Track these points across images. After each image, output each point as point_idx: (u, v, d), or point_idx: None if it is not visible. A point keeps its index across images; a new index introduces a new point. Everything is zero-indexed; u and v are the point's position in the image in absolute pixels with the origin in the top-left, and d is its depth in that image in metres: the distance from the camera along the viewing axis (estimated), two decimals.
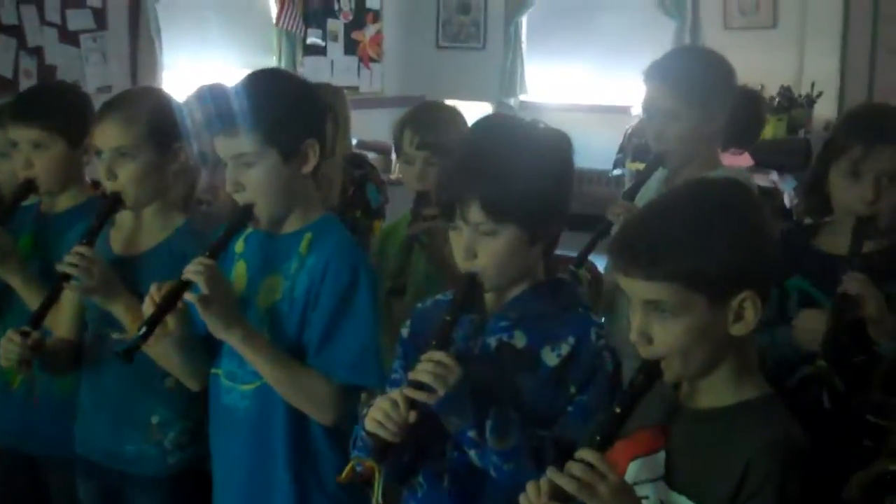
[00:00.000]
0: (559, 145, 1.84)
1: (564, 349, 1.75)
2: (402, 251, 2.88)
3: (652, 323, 1.51)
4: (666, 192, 1.63)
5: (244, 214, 2.00)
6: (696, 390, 1.57)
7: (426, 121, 2.83)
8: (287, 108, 2.01)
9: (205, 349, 2.09)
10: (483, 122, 1.95)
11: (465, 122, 2.89)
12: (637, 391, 1.52)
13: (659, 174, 2.62)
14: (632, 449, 1.58)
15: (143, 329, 1.88)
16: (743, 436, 1.49)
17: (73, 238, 2.31)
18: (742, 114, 2.54)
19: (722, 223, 1.51)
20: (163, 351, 2.04)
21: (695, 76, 2.47)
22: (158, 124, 2.22)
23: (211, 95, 2.12)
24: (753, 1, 7.67)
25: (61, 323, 2.32)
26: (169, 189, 2.28)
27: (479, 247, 1.76)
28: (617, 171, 7.72)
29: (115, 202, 2.20)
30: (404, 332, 1.94)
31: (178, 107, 2.32)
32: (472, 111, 7.55)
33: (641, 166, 7.32)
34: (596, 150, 7.94)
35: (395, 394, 1.69)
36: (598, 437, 1.49)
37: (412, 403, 1.66)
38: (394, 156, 7.23)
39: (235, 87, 2.06)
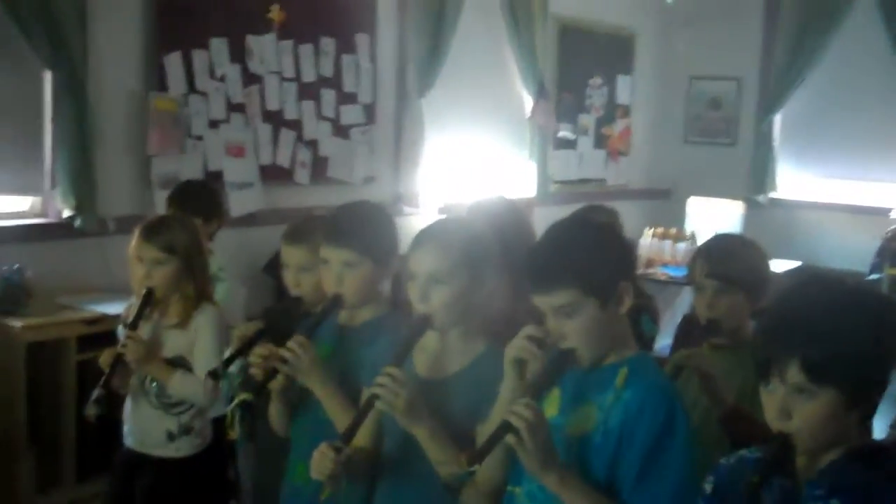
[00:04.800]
0: (883, 308, 1.81)
1: None
2: (671, 370, 2.88)
3: None
4: None
5: (566, 359, 2.07)
6: None
7: (719, 251, 2.85)
8: (599, 258, 2.08)
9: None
10: (804, 280, 1.93)
11: (762, 258, 2.88)
12: None
13: None
14: None
15: (475, 468, 1.94)
16: None
17: (377, 353, 2.45)
18: None
19: None
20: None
21: None
22: (472, 254, 2.33)
23: (531, 254, 2.19)
24: None
25: (362, 432, 2.43)
26: (476, 315, 2.38)
27: (794, 408, 1.74)
28: (874, 276, 7.41)
29: (423, 325, 2.32)
30: (707, 487, 1.94)
31: (489, 237, 2.43)
32: (721, 208, 7.51)
33: None
34: (850, 252, 7.67)
35: None
36: None
37: None
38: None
39: (545, 244, 2.16)
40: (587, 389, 2.11)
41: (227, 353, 2.81)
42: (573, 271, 2.05)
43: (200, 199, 4.30)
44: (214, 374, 2.78)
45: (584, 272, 2.05)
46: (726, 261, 2.80)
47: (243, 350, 2.70)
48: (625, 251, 2.22)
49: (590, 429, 2.07)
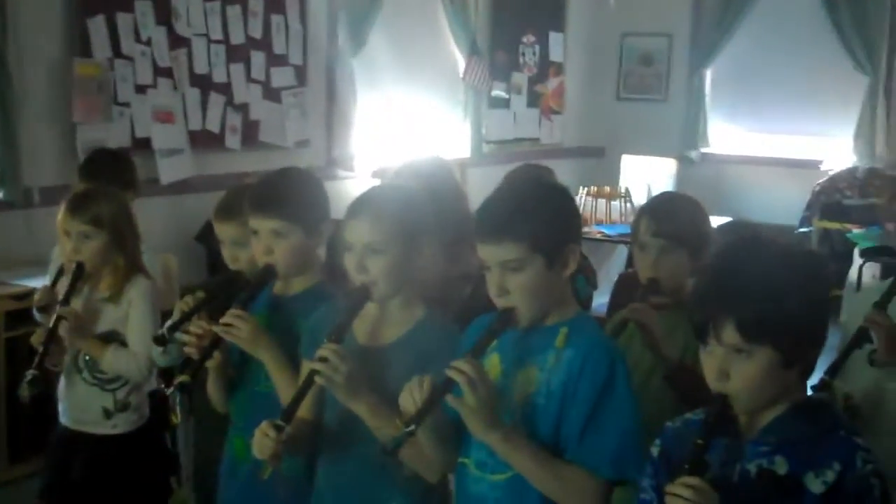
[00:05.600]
0: (815, 266, 1.83)
1: (830, 476, 1.72)
2: (612, 332, 2.88)
3: None
4: None
5: (506, 318, 2.05)
6: None
7: (665, 210, 2.84)
8: (551, 217, 2.07)
9: (454, 436, 2.13)
10: (736, 241, 1.92)
11: (704, 216, 2.88)
12: None
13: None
14: None
15: (412, 427, 1.92)
16: None
17: (313, 324, 2.41)
18: None
19: None
20: (410, 445, 2.04)
21: None
22: (408, 222, 2.29)
23: (483, 206, 2.17)
24: None
25: (304, 404, 2.38)
26: (414, 282, 2.35)
27: (731, 368, 1.76)
28: (803, 229, 7.53)
29: (363, 297, 2.28)
30: (654, 450, 1.94)
31: (425, 202, 2.40)
32: (654, 165, 7.54)
33: (830, 225, 7.20)
34: (781, 206, 7.80)
35: None
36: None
37: None
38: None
39: (499, 196, 2.14)
40: (527, 352, 2.09)
41: (171, 321, 2.76)
42: (525, 225, 2.03)
43: (113, 170, 4.01)
44: (160, 340, 2.71)
45: (535, 228, 2.03)
46: (672, 219, 2.79)
47: (188, 316, 2.65)
48: (576, 215, 2.22)
49: (532, 391, 2.06)
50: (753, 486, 1.76)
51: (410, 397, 1.98)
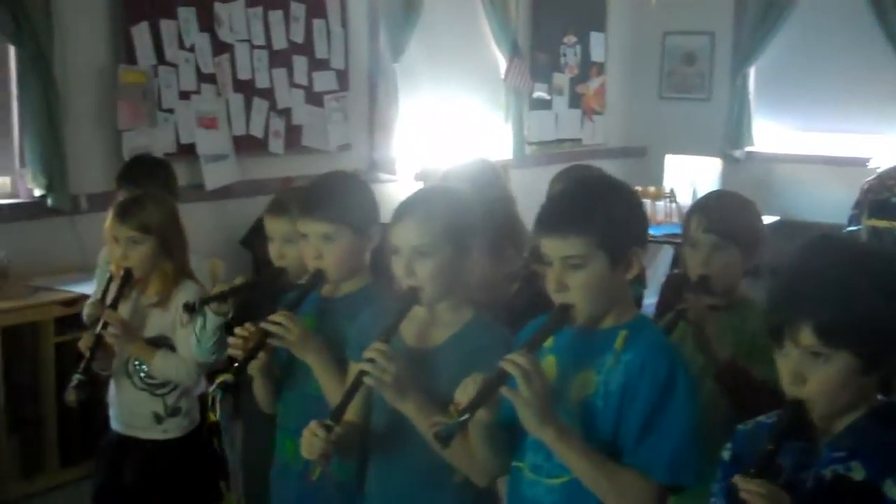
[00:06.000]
0: (894, 270, 1.77)
1: None
2: (664, 327, 2.84)
3: None
4: None
5: (562, 315, 2.02)
6: None
7: (717, 207, 2.80)
8: (620, 216, 2.04)
9: (507, 440, 2.11)
10: (816, 242, 1.87)
11: (756, 214, 2.84)
12: None
13: None
14: None
15: (466, 416, 1.91)
16: None
17: (360, 326, 2.41)
18: None
19: None
20: (461, 444, 2.05)
21: None
22: (455, 223, 2.28)
23: (552, 199, 2.15)
24: None
25: (352, 407, 2.38)
26: (462, 284, 2.34)
27: (808, 373, 1.72)
28: (852, 228, 7.41)
29: (412, 299, 2.27)
30: (725, 454, 1.90)
31: (472, 204, 2.38)
32: (698, 164, 7.45)
33: (879, 223, 7.07)
34: (828, 204, 7.67)
35: None
36: None
37: None
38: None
39: (569, 191, 2.14)
40: (585, 355, 2.06)
41: (205, 296, 2.80)
42: (594, 221, 2.00)
43: (152, 176, 3.98)
44: (190, 307, 2.73)
45: (604, 224, 2.00)
46: (724, 216, 2.74)
47: (225, 296, 2.69)
48: (644, 219, 2.18)
49: (590, 392, 2.03)
50: (828, 491, 1.71)
51: (465, 392, 1.96)
